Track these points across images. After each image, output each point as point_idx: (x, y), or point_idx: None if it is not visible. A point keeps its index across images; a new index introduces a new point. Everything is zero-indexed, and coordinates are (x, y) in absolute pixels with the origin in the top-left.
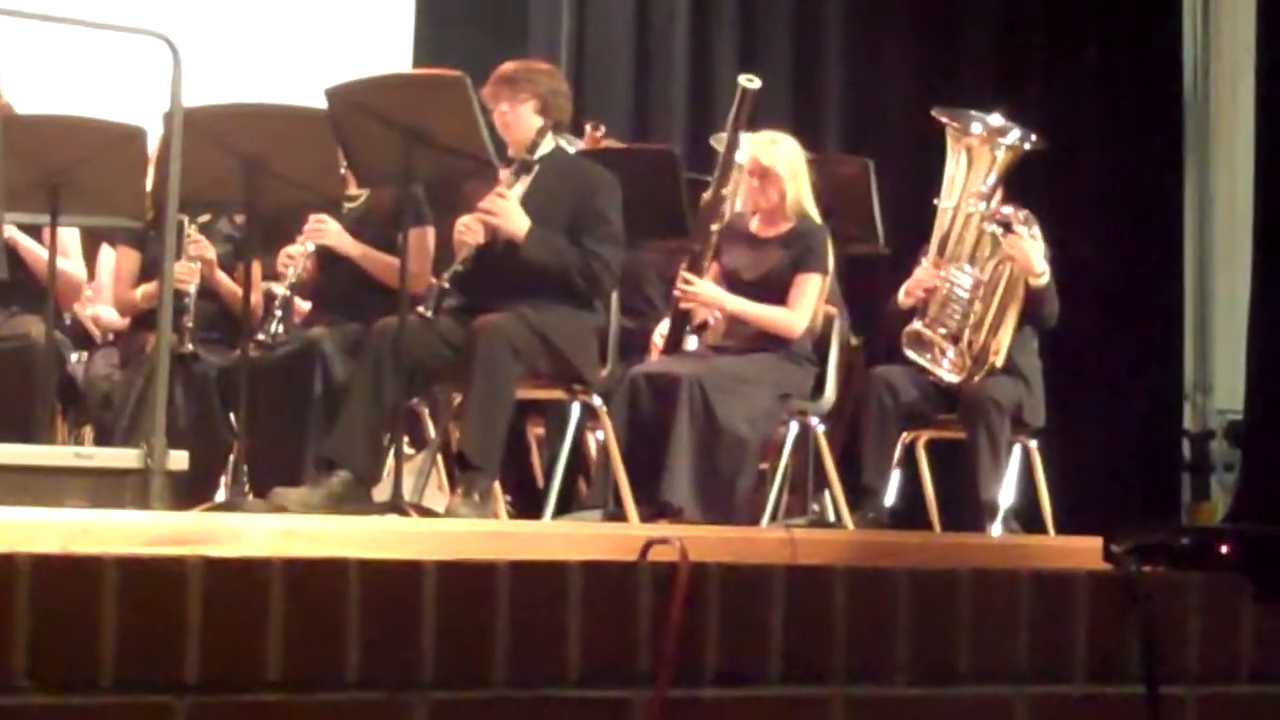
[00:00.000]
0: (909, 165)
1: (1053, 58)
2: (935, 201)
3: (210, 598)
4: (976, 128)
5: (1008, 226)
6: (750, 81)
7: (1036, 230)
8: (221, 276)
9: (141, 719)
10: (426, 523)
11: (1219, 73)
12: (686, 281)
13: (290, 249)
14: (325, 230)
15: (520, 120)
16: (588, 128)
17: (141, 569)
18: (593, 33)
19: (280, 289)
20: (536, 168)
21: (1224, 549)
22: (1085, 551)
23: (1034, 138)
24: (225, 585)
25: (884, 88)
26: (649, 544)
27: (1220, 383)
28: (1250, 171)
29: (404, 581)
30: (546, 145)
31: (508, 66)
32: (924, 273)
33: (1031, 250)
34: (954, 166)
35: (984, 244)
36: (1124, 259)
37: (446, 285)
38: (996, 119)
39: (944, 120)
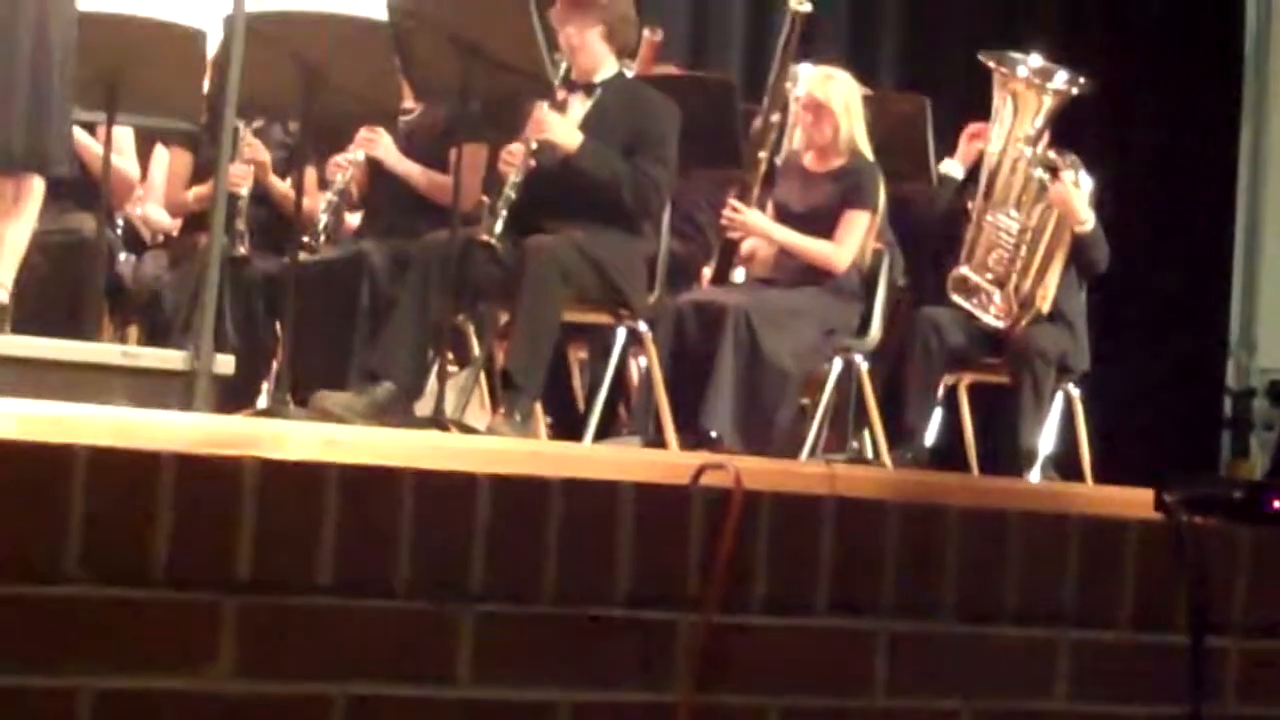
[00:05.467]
0: (966, 104)
1: (1114, 3)
2: (980, 145)
3: (265, 499)
4: (1022, 71)
5: (1054, 171)
6: (801, 5)
7: (1083, 175)
8: (274, 181)
9: (190, 615)
10: (469, 439)
11: None
12: (734, 210)
13: (340, 157)
14: (376, 142)
15: (586, 44)
16: (645, 32)
17: (199, 467)
18: None
19: (329, 195)
20: (599, 91)
21: (1276, 503)
22: (1130, 501)
23: (1082, 80)
24: (281, 487)
25: (943, 24)
26: (702, 468)
27: (1264, 341)
28: None
29: (457, 494)
30: (609, 69)
31: None
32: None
33: (1075, 197)
34: (1001, 110)
35: (1030, 189)
36: (1174, 212)
37: (504, 212)
38: (1036, 60)
39: (990, 64)
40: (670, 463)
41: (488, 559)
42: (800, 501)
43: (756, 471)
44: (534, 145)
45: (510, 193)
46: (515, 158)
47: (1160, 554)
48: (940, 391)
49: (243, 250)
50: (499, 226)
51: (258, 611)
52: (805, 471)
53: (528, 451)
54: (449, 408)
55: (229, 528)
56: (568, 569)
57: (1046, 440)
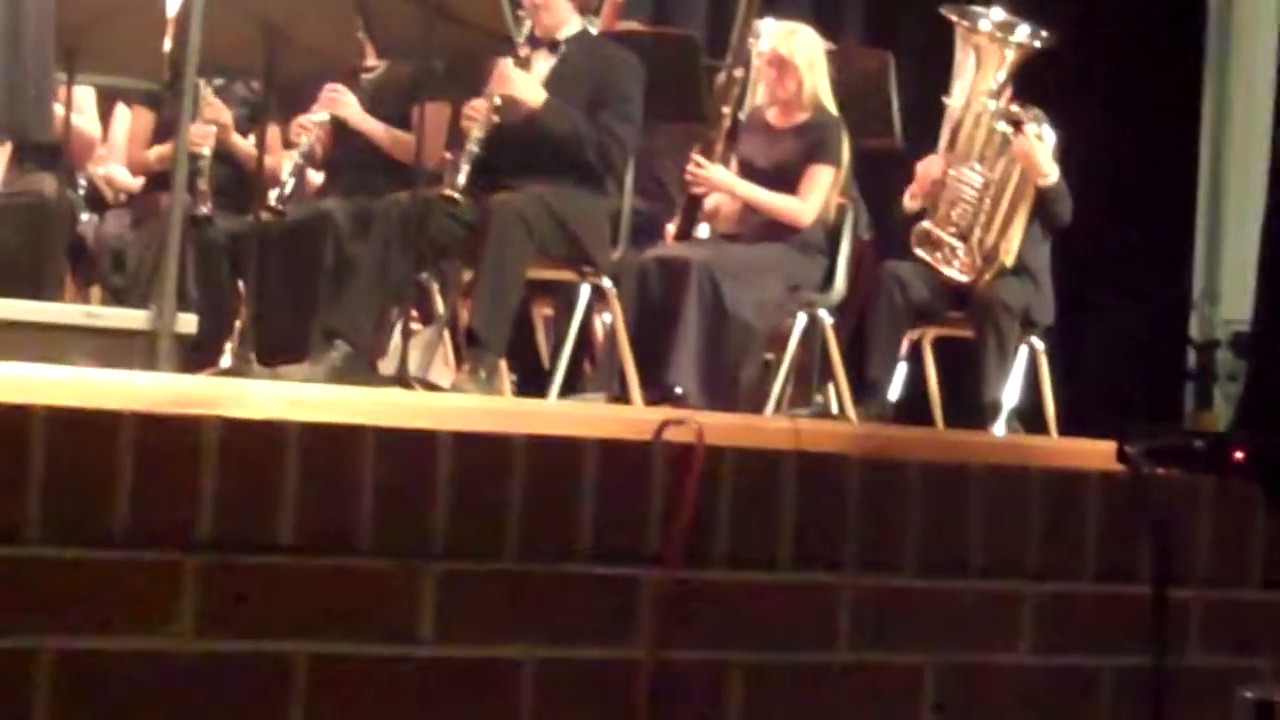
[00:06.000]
0: (930, 60)
1: None
2: (944, 99)
3: (226, 458)
4: (985, 24)
5: (1017, 125)
6: None
7: (1046, 129)
8: (237, 139)
9: (151, 575)
10: (434, 397)
11: None
12: (698, 165)
13: (304, 118)
14: (340, 101)
15: (550, 1)
16: None
17: (159, 426)
18: None
19: (294, 156)
20: (562, 48)
21: (1238, 455)
22: (1094, 453)
23: (1045, 34)
24: (241, 446)
25: None
26: (664, 424)
27: (1228, 293)
28: (1270, 77)
29: (419, 451)
30: (572, 26)
31: None
32: (925, 169)
33: (1038, 150)
34: (963, 64)
35: (993, 143)
36: (1138, 165)
37: (468, 168)
38: (999, 13)
39: (952, 18)
40: (634, 419)
41: (450, 516)
42: (763, 456)
43: (719, 427)
44: (497, 101)
45: (474, 147)
46: (478, 112)
47: (1123, 506)
48: (904, 346)
49: (205, 209)
50: (462, 179)
51: (219, 571)
52: (768, 426)
53: (491, 409)
54: (413, 366)
55: (190, 487)
56: (530, 525)
57: (1011, 393)
